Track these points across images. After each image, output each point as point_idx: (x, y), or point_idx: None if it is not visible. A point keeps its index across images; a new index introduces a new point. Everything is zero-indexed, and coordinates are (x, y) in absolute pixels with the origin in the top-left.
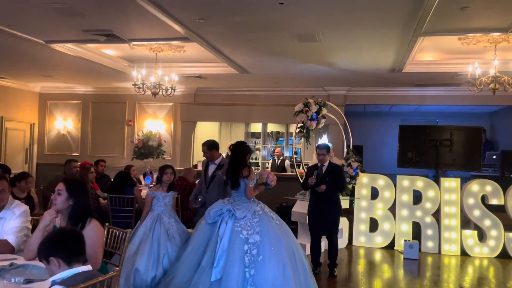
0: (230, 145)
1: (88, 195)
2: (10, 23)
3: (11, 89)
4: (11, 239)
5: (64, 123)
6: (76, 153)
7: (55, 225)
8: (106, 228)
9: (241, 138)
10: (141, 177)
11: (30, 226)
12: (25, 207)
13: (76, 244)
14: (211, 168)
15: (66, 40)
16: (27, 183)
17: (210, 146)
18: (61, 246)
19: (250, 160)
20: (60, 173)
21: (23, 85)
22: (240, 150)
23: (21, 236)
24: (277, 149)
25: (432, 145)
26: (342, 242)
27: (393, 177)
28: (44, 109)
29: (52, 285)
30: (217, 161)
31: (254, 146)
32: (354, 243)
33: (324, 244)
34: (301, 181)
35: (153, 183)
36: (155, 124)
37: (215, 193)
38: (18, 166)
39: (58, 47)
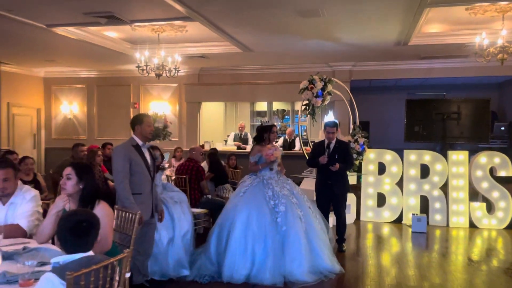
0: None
1: (95, 178)
2: (9, 8)
3: (16, 74)
4: (23, 223)
5: (70, 107)
6: (83, 137)
7: (64, 209)
8: (115, 211)
9: (247, 117)
10: None
11: (41, 210)
12: (35, 192)
13: (82, 240)
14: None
15: (67, 24)
16: (27, 164)
17: None
18: (66, 240)
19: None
20: (67, 157)
21: (28, 71)
22: (257, 132)
23: (33, 220)
24: (289, 130)
25: (439, 118)
26: (350, 218)
27: (400, 152)
28: (49, 94)
29: (52, 266)
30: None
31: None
32: (362, 218)
33: (332, 220)
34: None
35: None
36: (160, 105)
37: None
38: (27, 151)
39: (60, 31)
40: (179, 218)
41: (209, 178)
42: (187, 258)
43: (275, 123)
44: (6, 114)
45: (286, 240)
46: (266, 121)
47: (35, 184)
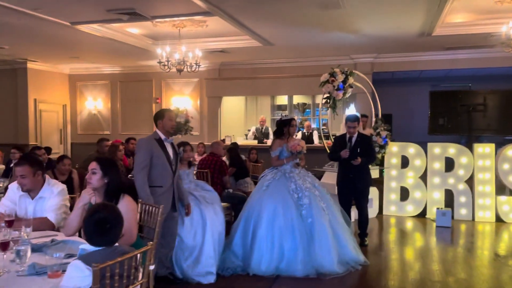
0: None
1: (120, 172)
2: (35, 6)
3: (42, 71)
4: (51, 216)
5: (94, 103)
6: (107, 132)
7: (90, 203)
8: (139, 204)
9: (267, 111)
10: None
11: (69, 204)
12: (62, 186)
13: (106, 238)
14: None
15: (90, 21)
16: (64, 164)
17: None
18: (91, 238)
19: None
20: (93, 152)
21: (53, 67)
22: (277, 126)
23: (61, 213)
24: (307, 123)
25: (464, 111)
26: (372, 212)
27: (423, 145)
28: (75, 90)
29: (79, 253)
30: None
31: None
32: (384, 213)
33: (354, 214)
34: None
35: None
36: (182, 100)
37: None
38: (54, 146)
39: (84, 28)
40: (211, 221)
41: (231, 173)
42: (216, 261)
43: (294, 117)
44: (33, 110)
45: (313, 232)
46: (285, 115)
47: (69, 181)
